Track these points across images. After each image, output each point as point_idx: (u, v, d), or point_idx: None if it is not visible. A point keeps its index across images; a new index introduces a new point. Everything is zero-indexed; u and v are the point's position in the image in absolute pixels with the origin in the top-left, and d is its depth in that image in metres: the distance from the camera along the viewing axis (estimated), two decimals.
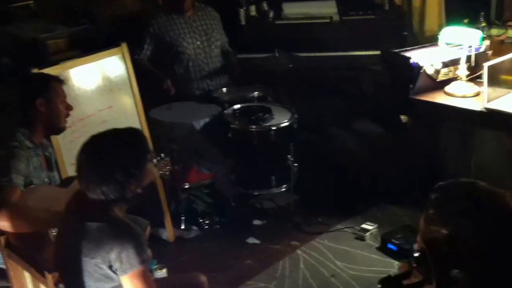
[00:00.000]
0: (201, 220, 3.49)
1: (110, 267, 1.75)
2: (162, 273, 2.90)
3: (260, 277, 3.05)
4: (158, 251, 3.01)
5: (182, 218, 3.46)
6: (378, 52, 3.90)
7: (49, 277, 1.78)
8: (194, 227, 3.48)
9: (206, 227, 3.48)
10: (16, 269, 2.05)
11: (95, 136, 1.85)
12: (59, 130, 2.51)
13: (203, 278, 2.27)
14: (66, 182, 2.46)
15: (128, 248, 1.73)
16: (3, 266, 2.25)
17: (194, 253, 3.29)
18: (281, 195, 3.65)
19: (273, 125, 3.35)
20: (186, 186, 3.49)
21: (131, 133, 1.89)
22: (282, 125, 3.37)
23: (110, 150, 1.78)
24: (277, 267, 3.12)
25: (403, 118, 3.50)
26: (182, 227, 3.46)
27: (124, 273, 1.75)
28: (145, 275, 1.77)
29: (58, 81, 2.48)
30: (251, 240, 3.37)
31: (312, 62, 3.97)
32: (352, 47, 4.04)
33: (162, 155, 2.81)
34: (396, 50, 3.46)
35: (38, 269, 1.85)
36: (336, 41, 4.05)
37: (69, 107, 2.50)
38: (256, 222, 3.55)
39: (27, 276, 1.98)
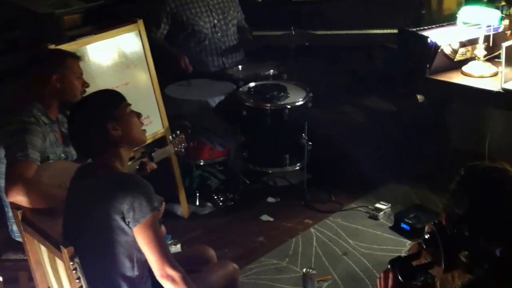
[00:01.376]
0: (215, 197, 3.53)
1: (123, 218, 1.77)
2: (176, 248, 2.94)
3: (272, 254, 3.08)
4: (172, 227, 3.05)
5: (197, 194, 3.50)
6: (394, 31, 3.85)
7: (65, 251, 1.79)
8: (208, 204, 3.52)
9: (220, 203, 3.52)
10: (32, 243, 2.08)
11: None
12: None
13: (211, 252, 2.30)
14: (82, 158, 2.49)
15: (140, 198, 1.76)
16: (20, 239, 2.31)
17: (208, 229, 3.33)
18: (295, 173, 3.66)
19: (288, 104, 3.35)
20: (200, 163, 3.52)
21: (104, 91, 2.09)
22: (297, 103, 3.36)
23: (84, 104, 1.99)
24: (290, 245, 3.15)
25: (419, 97, 3.47)
26: (197, 203, 3.50)
27: (137, 222, 1.76)
28: (156, 223, 1.81)
29: (74, 58, 2.48)
30: (265, 217, 3.41)
31: (327, 40, 3.94)
32: (368, 25, 3.99)
33: (178, 132, 2.84)
34: (413, 29, 3.41)
35: (54, 243, 1.88)
36: (352, 19, 4.01)
37: (85, 84, 2.50)
38: (270, 199, 3.58)
39: (43, 250, 2.01)
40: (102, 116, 1.87)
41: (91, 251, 1.84)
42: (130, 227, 1.78)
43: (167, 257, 1.80)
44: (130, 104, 1.97)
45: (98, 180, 1.84)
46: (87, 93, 2.53)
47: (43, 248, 2.00)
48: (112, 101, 1.93)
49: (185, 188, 3.44)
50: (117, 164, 1.89)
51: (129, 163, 2.27)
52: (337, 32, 4.00)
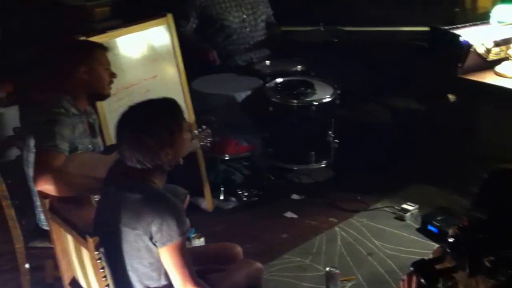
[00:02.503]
0: (239, 192, 3.52)
1: (151, 238, 1.78)
2: (200, 242, 2.95)
3: (295, 251, 3.06)
4: (196, 220, 3.03)
5: (222, 189, 3.50)
6: (426, 28, 3.78)
7: (90, 240, 1.81)
8: (233, 199, 3.52)
9: (244, 199, 3.51)
10: (58, 231, 2.10)
11: (131, 106, 1.89)
12: (103, 96, 2.54)
13: (238, 249, 2.29)
14: (109, 149, 2.51)
15: (169, 221, 1.75)
16: (47, 228, 2.35)
17: (231, 224, 3.32)
18: (320, 171, 3.63)
19: (315, 100, 3.31)
20: (226, 158, 3.52)
21: (165, 102, 1.92)
22: (324, 100, 3.33)
23: (143, 118, 1.84)
24: (314, 243, 3.12)
25: (450, 97, 3.39)
26: (221, 197, 3.50)
27: (164, 244, 1.77)
28: (183, 247, 1.80)
29: (102, 49, 2.48)
30: (289, 214, 3.38)
31: (356, 37, 3.89)
32: (399, 22, 3.92)
33: (204, 126, 2.84)
34: (446, 27, 3.34)
35: (80, 232, 1.90)
36: (382, 15, 3.94)
37: (112, 75, 2.50)
38: (294, 196, 3.55)
39: (69, 239, 2.04)
40: (161, 142, 1.80)
41: (119, 253, 1.85)
42: (156, 246, 1.79)
43: (190, 277, 1.79)
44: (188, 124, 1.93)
45: (133, 194, 1.81)
46: (113, 83, 2.56)
47: (69, 237, 2.02)
48: (174, 128, 1.83)
49: (210, 182, 3.44)
50: (157, 180, 1.86)
51: None
52: (367, 28, 3.95)
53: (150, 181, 1.84)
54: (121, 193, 1.84)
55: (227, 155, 3.50)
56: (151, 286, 1.87)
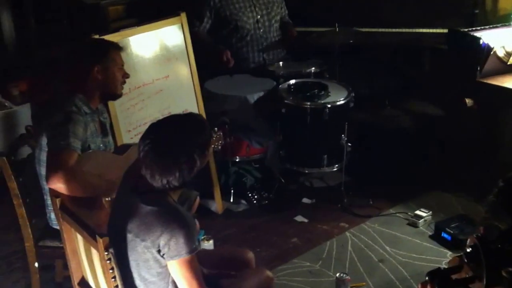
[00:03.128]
0: (250, 195, 3.49)
1: (159, 251, 1.77)
2: (209, 244, 2.93)
3: (305, 256, 3.02)
4: (206, 222, 3.04)
5: (232, 191, 3.47)
6: (444, 30, 3.71)
7: (101, 241, 1.80)
8: (243, 201, 3.49)
9: (255, 202, 3.48)
10: (69, 231, 2.09)
11: (156, 125, 1.82)
12: (115, 96, 2.52)
13: (250, 255, 2.27)
14: (121, 149, 2.50)
15: (178, 237, 1.72)
16: (57, 227, 2.34)
17: (241, 226, 3.30)
18: (332, 175, 3.59)
19: (329, 103, 3.27)
20: (236, 160, 3.49)
21: (194, 120, 1.86)
22: (338, 103, 3.28)
23: (175, 140, 1.76)
24: (324, 248, 3.08)
25: (468, 101, 3.34)
26: (231, 200, 3.48)
27: (171, 259, 1.76)
28: (192, 264, 1.77)
29: (117, 48, 2.47)
30: (299, 218, 3.35)
31: (373, 38, 3.83)
32: (417, 24, 3.86)
33: (216, 128, 2.81)
34: (465, 29, 3.28)
35: (90, 232, 1.89)
36: (400, 16, 3.88)
37: (125, 75, 2.49)
38: (305, 200, 3.51)
39: (79, 239, 2.03)
40: (192, 163, 1.76)
41: (127, 260, 1.84)
42: (164, 258, 1.78)
43: None
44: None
45: (147, 205, 1.77)
46: (126, 83, 2.54)
47: (79, 237, 2.01)
48: (205, 148, 1.80)
49: (220, 184, 3.41)
50: (173, 194, 1.84)
51: None
52: (384, 30, 3.89)
53: (168, 195, 1.81)
54: (136, 203, 1.80)
55: (238, 157, 3.47)
56: None
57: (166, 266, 1.81)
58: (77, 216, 2.01)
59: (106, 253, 1.80)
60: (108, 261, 1.81)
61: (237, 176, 3.53)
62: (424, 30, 3.86)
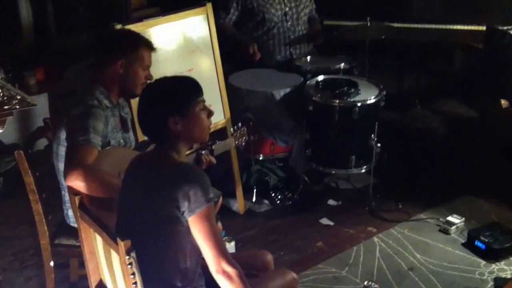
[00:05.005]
0: (273, 194, 3.35)
1: (178, 207, 1.70)
2: (230, 246, 2.79)
3: (331, 261, 2.88)
4: (227, 223, 2.92)
5: (254, 190, 3.33)
6: (480, 28, 3.54)
7: (121, 244, 1.68)
8: (265, 201, 3.35)
9: (278, 202, 3.34)
10: (87, 231, 1.98)
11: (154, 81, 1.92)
12: (132, 95, 2.39)
13: (269, 257, 2.16)
14: (142, 145, 2.37)
15: (195, 186, 1.69)
16: (74, 225, 2.23)
17: (263, 228, 3.17)
18: (358, 176, 3.44)
19: (359, 101, 3.11)
20: (260, 158, 3.35)
21: (183, 76, 1.92)
22: (369, 102, 3.12)
23: (157, 86, 1.85)
24: (350, 253, 2.94)
25: (503, 103, 3.18)
26: (253, 200, 3.34)
27: (192, 212, 1.70)
28: (211, 216, 1.73)
29: (148, 47, 2.32)
30: (324, 221, 3.21)
31: (405, 34, 3.65)
32: (451, 20, 3.68)
33: (239, 124, 2.68)
34: (504, 28, 3.11)
35: (111, 234, 1.77)
36: (434, 12, 3.71)
37: (149, 76, 2.34)
38: (331, 202, 3.37)
39: (98, 240, 1.91)
40: (167, 109, 1.78)
41: (143, 239, 1.76)
42: (184, 217, 1.72)
43: (223, 252, 1.73)
44: (204, 101, 1.85)
45: (152, 169, 1.79)
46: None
47: (98, 238, 1.90)
48: (185, 95, 1.81)
49: (242, 183, 3.28)
50: (174, 154, 1.82)
51: (187, 152, 2.13)
52: (416, 26, 3.71)
53: (169, 157, 1.80)
54: (140, 175, 1.81)
55: (261, 155, 3.33)
56: (178, 266, 1.79)
57: (185, 230, 1.73)
58: (96, 216, 1.90)
59: (127, 257, 1.68)
60: (129, 266, 1.70)
61: (260, 175, 3.40)
62: (460, 27, 3.67)
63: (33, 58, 3.81)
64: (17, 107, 1.80)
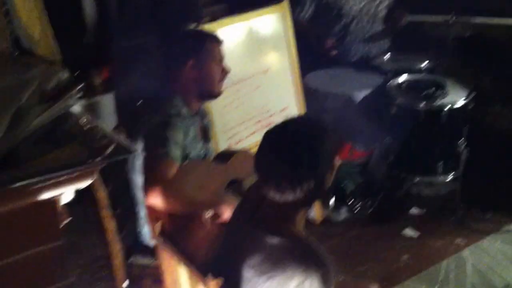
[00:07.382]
0: (351, 202, 3.15)
1: None
2: None
3: (420, 277, 2.67)
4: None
5: (332, 197, 3.14)
6: None
7: (212, 282, 1.52)
8: (343, 209, 3.15)
9: (356, 210, 3.13)
10: (169, 262, 1.83)
11: (279, 127, 1.54)
12: (214, 95, 2.22)
13: None
14: (222, 157, 2.22)
15: (314, 277, 1.44)
16: (149, 244, 2.11)
17: (343, 238, 2.98)
18: (443, 183, 3.18)
19: (447, 104, 2.85)
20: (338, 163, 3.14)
21: (319, 126, 1.59)
22: (457, 105, 2.86)
23: (304, 148, 1.48)
24: (440, 268, 2.72)
25: None
26: (330, 207, 3.14)
27: None
28: None
29: (215, 41, 2.17)
30: (408, 232, 2.99)
31: (494, 32, 3.34)
32: None
33: None
34: None
35: (200, 268, 1.61)
36: None
37: (225, 70, 2.19)
38: (414, 211, 3.14)
39: (181, 272, 1.76)
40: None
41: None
42: None
43: None
44: None
45: (271, 236, 1.50)
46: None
47: (181, 269, 1.75)
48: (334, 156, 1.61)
49: None
50: (298, 224, 1.57)
51: None
52: (507, 21, 3.39)
53: (292, 225, 1.53)
54: (256, 232, 1.54)
55: (339, 159, 3.12)
56: None
57: None
58: (180, 244, 1.75)
59: None
60: None
61: (336, 180, 3.19)
62: None
63: (98, 58, 3.71)
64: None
